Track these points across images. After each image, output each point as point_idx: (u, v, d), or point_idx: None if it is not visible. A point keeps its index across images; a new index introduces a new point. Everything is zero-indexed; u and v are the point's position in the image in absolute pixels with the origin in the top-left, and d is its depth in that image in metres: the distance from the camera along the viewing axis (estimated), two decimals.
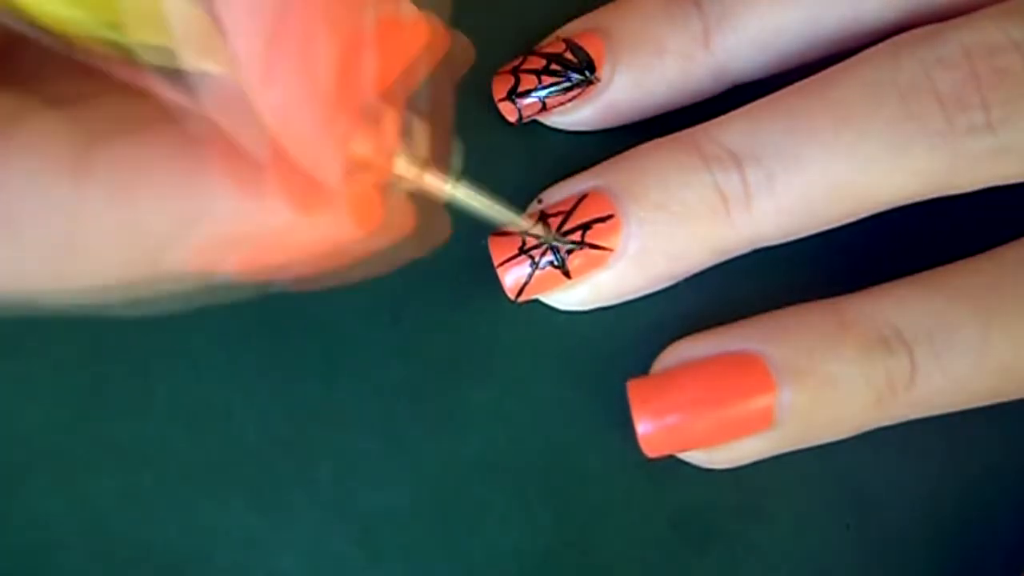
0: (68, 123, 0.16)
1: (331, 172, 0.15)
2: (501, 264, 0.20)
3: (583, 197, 0.20)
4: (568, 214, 0.20)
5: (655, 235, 0.20)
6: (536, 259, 0.20)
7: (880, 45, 0.19)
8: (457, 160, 0.17)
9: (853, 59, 0.19)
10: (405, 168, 0.16)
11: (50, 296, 0.16)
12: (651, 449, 0.20)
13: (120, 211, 0.15)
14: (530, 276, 0.20)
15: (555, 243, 0.20)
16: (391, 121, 0.16)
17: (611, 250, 0.20)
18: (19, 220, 0.15)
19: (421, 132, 0.16)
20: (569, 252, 0.20)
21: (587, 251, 0.20)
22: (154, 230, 0.16)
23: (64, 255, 0.15)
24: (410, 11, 0.19)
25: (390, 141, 0.16)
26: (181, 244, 0.16)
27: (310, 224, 0.15)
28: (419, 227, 0.17)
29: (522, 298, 0.21)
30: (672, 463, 0.21)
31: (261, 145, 0.14)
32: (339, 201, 0.15)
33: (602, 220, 0.20)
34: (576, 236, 0.20)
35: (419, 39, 0.19)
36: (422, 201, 0.17)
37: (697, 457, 0.21)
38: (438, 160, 0.17)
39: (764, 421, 0.19)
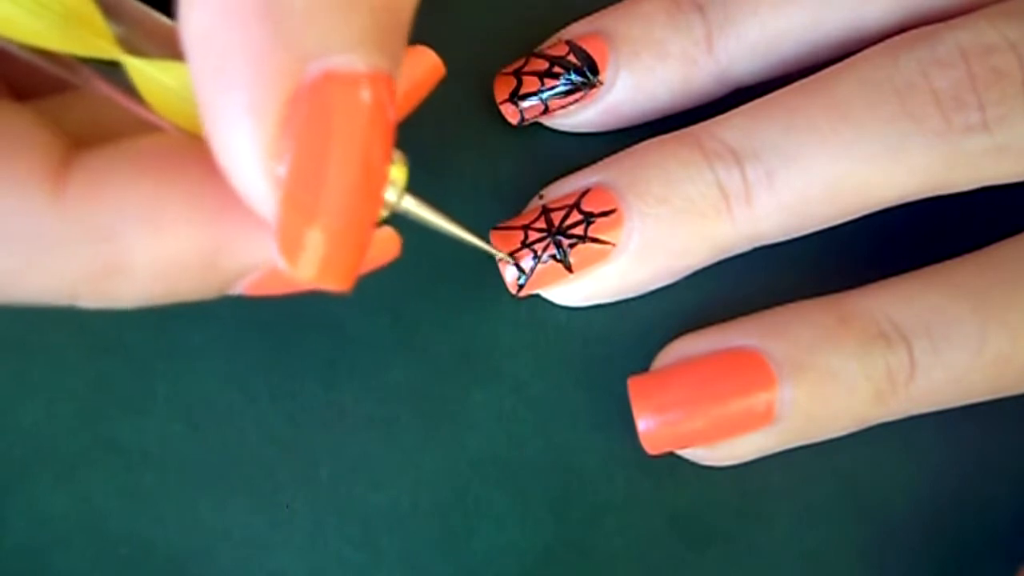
0: (42, 120, 0.15)
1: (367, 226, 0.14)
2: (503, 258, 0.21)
3: (585, 192, 0.20)
4: (570, 208, 0.20)
5: (657, 230, 0.20)
6: (538, 252, 0.20)
7: (879, 45, 0.19)
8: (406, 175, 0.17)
9: (852, 59, 0.19)
10: (398, 198, 0.16)
11: None
12: (652, 446, 0.20)
13: (99, 249, 0.15)
14: (532, 270, 0.20)
15: (557, 237, 0.20)
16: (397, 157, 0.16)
17: (613, 244, 0.20)
18: None
19: (399, 161, 0.16)
20: (572, 246, 0.20)
21: (589, 245, 0.20)
22: (138, 268, 0.15)
23: (21, 269, 0.15)
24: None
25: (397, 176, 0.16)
26: (176, 280, 0.15)
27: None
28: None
29: (523, 292, 0.21)
30: (672, 462, 0.21)
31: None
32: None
33: (605, 214, 0.20)
34: (579, 230, 0.20)
35: (424, 68, 0.20)
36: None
37: (698, 454, 0.21)
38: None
39: (765, 417, 0.19)
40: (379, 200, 0.14)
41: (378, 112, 0.13)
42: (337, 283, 0.14)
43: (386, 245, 0.17)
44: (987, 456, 0.22)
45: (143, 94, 0.15)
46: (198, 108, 0.14)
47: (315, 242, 0.14)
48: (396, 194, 0.16)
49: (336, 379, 0.22)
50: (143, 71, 0.15)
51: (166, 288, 0.15)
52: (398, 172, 0.16)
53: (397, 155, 0.16)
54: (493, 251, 0.20)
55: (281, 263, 0.14)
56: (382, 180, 0.14)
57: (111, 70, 0.15)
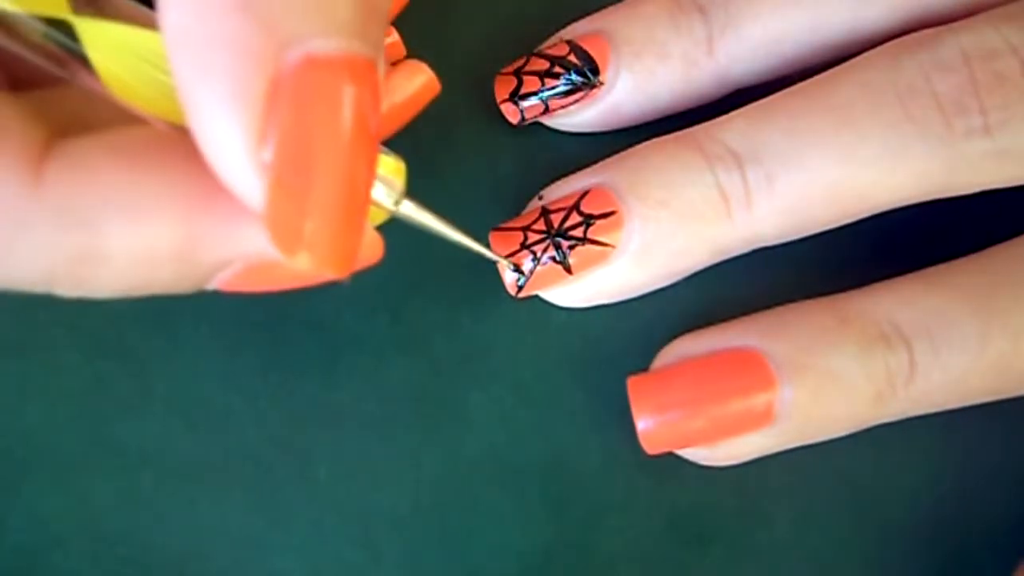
0: (24, 109, 0.15)
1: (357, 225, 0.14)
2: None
3: (585, 193, 0.20)
4: (570, 210, 0.20)
5: (657, 232, 0.20)
6: (538, 254, 0.20)
7: (880, 48, 0.19)
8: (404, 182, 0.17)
9: (853, 61, 0.19)
10: (398, 201, 0.16)
11: None
12: (651, 446, 0.20)
13: (75, 235, 0.15)
14: (531, 271, 0.20)
15: (556, 238, 0.20)
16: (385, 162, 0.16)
17: (613, 246, 0.20)
18: None
19: (397, 166, 0.16)
20: (571, 248, 0.20)
21: (589, 247, 0.20)
22: (115, 256, 0.15)
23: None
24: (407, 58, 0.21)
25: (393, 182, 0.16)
26: (152, 270, 0.15)
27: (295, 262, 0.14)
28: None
29: (523, 293, 0.21)
30: (672, 462, 0.21)
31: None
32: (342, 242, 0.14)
33: (604, 216, 0.20)
34: (578, 232, 0.20)
35: (418, 84, 0.21)
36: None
37: (698, 454, 0.21)
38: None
39: (765, 417, 0.19)
40: (370, 180, 0.14)
41: (362, 93, 0.13)
42: (334, 269, 0.14)
43: (370, 249, 0.17)
44: (987, 456, 0.22)
45: (93, 61, 0.15)
46: (180, 103, 0.13)
47: (308, 227, 0.14)
48: (395, 197, 0.16)
49: (336, 379, 0.22)
50: (93, 33, 0.15)
51: (143, 278, 0.15)
52: (396, 175, 0.16)
53: (395, 160, 0.16)
54: (491, 255, 0.20)
55: (276, 252, 0.14)
56: (371, 161, 0.14)
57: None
